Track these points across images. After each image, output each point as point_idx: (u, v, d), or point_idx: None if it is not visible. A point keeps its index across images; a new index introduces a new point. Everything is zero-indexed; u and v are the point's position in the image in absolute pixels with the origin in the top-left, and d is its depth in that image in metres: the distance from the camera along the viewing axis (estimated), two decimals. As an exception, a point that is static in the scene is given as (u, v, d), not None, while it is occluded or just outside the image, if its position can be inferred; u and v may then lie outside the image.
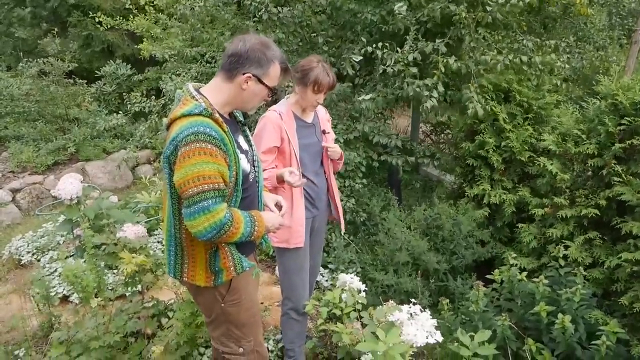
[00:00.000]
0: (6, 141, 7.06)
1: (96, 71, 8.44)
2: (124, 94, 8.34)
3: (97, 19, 7.66)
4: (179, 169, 1.83)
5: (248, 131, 2.23)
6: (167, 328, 2.82)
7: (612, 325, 2.83)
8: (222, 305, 2.14)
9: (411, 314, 2.83)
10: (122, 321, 2.66)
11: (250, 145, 2.21)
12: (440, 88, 3.69)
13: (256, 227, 2.01)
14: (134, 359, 2.77)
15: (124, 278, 3.08)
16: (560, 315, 2.89)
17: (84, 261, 3.42)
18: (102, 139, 7.36)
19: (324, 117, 2.98)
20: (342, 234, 3.18)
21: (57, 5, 8.74)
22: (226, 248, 2.02)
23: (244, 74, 1.92)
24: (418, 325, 2.72)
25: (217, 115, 1.90)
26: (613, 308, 3.31)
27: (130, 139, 7.26)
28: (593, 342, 2.82)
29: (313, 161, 2.84)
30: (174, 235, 2.05)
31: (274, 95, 2.11)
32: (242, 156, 2.03)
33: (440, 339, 2.69)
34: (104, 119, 6.53)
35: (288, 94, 2.94)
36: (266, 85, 1.98)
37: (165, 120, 2.04)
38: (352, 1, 4.73)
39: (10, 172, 6.39)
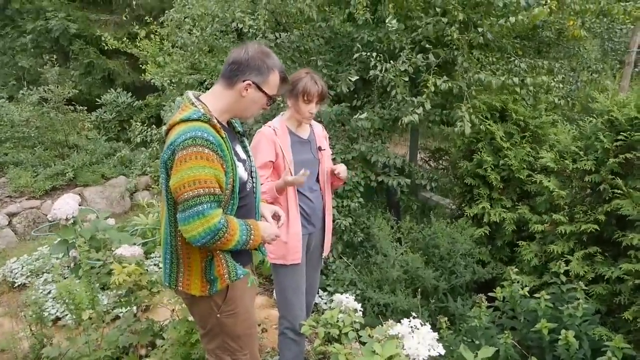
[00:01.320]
0: (4, 167, 7.07)
1: (96, 99, 8.54)
2: (124, 122, 8.47)
3: (103, 39, 7.83)
4: (176, 172, 1.82)
5: (246, 142, 2.24)
6: (161, 347, 2.75)
7: (618, 341, 2.75)
8: (218, 316, 2.10)
9: (412, 328, 2.78)
10: (114, 337, 2.59)
11: (248, 156, 2.20)
12: (428, 106, 3.73)
13: (252, 236, 1.99)
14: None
15: (117, 298, 3.03)
16: (563, 331, 2.83)
17: (79, 280, 3.37)
18: (100, 165, 7.38)
19: (321, 134, 2.98)
20: (324, 256, 3.13)
21: (58, 35, 8.95)
22: (221, 256, 1.99)
23: (244, 81, 1.94)
24: (419, 339, 2.66)
25: (215, 121, 1.91)
26: (617, 325, 3.24)
27: (129, 165, 7.30)
28: (598, 359, 2.74)
29: (308, 178, 2.82)
30: (170, 242, 2.03)
31: (273, 104, 2.12)
32: (239, 164, 2.03)
33: (442, 351, 2.62)
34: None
35: (283, 111, 2.96)
36: (265, 93, 1.99)
37: (164, 127, 2.05)
38: (348, 25, 4.83)
39: (8, 196, 6.38)
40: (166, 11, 5.65)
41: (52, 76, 7.15)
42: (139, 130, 5.78)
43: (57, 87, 7.17)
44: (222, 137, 1.91)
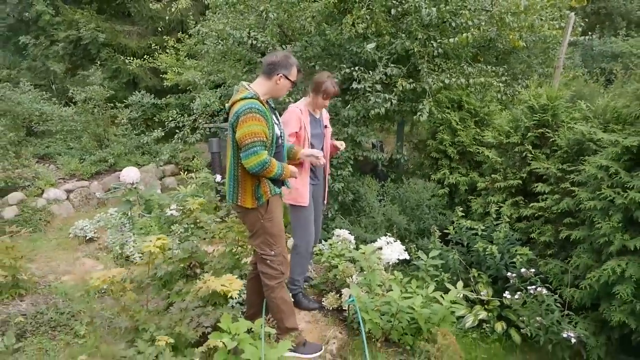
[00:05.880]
0: (51, 157, 8.36)
1: (123, 100, 9.81)
2: (148, 120, 9.78)
3: (127, 60, 9.16)
4: (240, 129, 3.11)
5: (277, 114, 3.54)
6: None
7: (523, 250, 4.12)
8: (262, 221, 3.35)
9: (387, 242, 4.13)
10: (187, 246, 3.85)
11: (279, 123, 3.50)
12: (395, 101, 5.10)
13: (284, 170, 3.28)
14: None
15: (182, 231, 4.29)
16: (489, 246, 4.17)
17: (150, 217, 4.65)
18: (133, 155, 8.69)
19: (325, 116, 4.29)
20: (324, 204, 4.38)
21: (88, 43, 10.23)
22: (265, 181, 3.27)
23: (277, 74, 3.24)
24: (392, 248, 4.02)
25: (261, 98, 3.21)
26: (532, 248, 4.58)
27: (156, 156, 8.61)
28: (510, 261, 4.09)
29: (317, 145, 4.10)
30: (234, 173, 3.31)
31: (295, 87, 3.43)
32: (275, 126, 3.33)
33: (407, 257, 3.97)
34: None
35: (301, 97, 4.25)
36: (290, 80, 3.30)
37: (227, 105, 3.35)
38: (342, 38, 6.18)
39: (61, 178, 7.65)
40: (198, 24, 6.96)
41: (96, 79, 8.44)
42: (173, 116, 6.99)
43: (99, 87, 8.49)
44: (266, 108, 3.21)
